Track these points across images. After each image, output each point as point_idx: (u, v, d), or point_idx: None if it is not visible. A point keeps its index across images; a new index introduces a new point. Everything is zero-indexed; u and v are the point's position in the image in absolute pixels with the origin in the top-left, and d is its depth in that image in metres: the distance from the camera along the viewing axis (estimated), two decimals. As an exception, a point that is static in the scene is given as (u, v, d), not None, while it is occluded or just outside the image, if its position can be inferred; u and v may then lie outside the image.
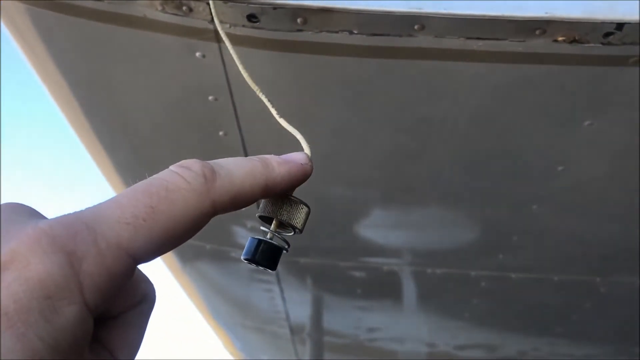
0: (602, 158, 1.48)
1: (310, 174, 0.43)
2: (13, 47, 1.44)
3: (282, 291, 2.66)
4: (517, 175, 1.59)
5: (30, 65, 1.53)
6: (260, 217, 0.46)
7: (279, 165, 0.41)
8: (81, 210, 0.34)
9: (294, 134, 0.53)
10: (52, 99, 1.64)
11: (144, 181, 0.36)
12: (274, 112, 0.55)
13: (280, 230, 0.46)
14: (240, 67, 0.68)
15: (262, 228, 0.46)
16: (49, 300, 0.29)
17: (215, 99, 1.39)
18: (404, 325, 2.86)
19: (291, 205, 0.45)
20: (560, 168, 1.50)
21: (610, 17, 1.07)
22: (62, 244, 0.31)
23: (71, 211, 0.34)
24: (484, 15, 1.07)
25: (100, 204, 0.35)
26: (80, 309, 0.30)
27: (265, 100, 0.57)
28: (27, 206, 0.35)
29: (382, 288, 2.45)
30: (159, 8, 1.13)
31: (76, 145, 1.77)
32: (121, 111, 1.56)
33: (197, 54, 1.25)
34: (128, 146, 1.74)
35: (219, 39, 1.19)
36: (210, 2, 1.04)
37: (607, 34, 1.09)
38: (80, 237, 0.31)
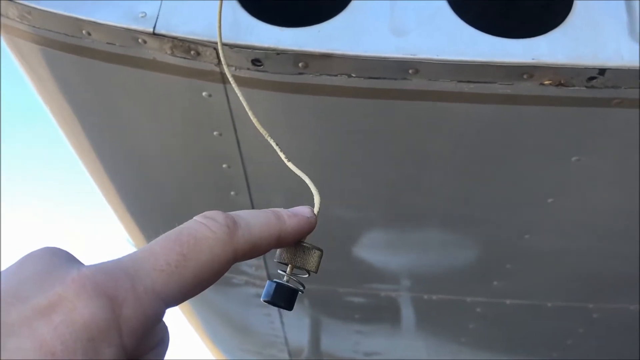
0: (590, 190, 1.54)
1: (315, 226, 0.48)
2: (27, 84, 1.50)
3: (281, 316, 2.70)
4: (508, 207, 1.65)
5: (42, 100, 1.59)
6: (278, 262, 0.50)
7: (289, 218, 0.46)
8: (119, 259, 0.37)
9: (303, 177, 0.56)
10: (62, 132, 1.70)
11: (174, 231, 0.40)
12: (282, 156, 0.59)
13: (297, 272, 0.50)
14: (250, 114, 0.70)
15: (279, 271, 0.50)
16: (92, 342, 0.31)
17: (220, 134, 1.45)
18: (401, 349, 2.88)
19: (304, 251, 0.49)
20: (550, 200, 1.56)
21: (593, 63, 1.13)
22: (105, 290, 0.33)
23: (110, 259, 0.37)
24: (474, 61, 1.13)
25: (136, 252, 0.38)
26: (118, 351, 0.32)
27: (273, 144, 0.61)
28: (65, 251, 0.38)
29: (380, 313, 2.49)
30: (168, 52, 1.20)
31: (85, 178, 1.83)
32: (129, 144, 1.62)
33: (204, 94, 1.31)
34: (135, 177, 1.80)
35: (224, 80, 1.25)
36: (218, 48, 1.10)
37: (591, 78, 1.15)
38: (120, 283, 0.34)
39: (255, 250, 0.42)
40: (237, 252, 0.41)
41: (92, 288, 0.33)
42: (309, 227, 0.47)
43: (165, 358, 0.42)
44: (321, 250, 0.50)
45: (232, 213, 0.43)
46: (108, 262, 0.36)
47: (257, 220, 0.43)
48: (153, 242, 0.39)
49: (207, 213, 0.41)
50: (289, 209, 0.47)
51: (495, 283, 2.08)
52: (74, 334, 0.31)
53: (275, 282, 0.48)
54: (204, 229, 0.40)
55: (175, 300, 0.37)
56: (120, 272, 0.35)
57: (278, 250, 0.50)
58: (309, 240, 0.50)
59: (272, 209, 0.46)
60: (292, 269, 0.49)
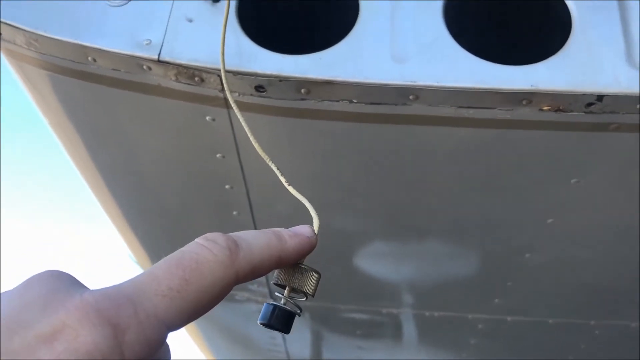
0: (589, 211, 1.55)
1: (315, 246, 0.48)
2: (33, 107, 1.52)
3: (283, 331, 2.70)
4: (509, 227, 1.66)
5: (47, 121, 1.61)
6: (275, 284, 0.51)
7: (290, 238, 0.46)
8: (121, 284, 0.37)
9: (302, 201, 0.57)
10: (66, 152, 1.72)
11: (176, 254, 0.40)
12: (283, 180, 0.60)
13: (294, 295, 0.50)
14: (252, 139, 0.72)
15: (276, 294, 0.50)
16: None
17: (223, 157, 1.46)
18: (403, 365, 2.89)
19: (302, 273, 0.49)
20: (550, 220, 1.57)
21: (591, 89, 1.14)
22: (108, 317, 0.33)
23: (112, 284, 0.37)
24: (474, 88, 1.15)
25: (138, 276, 0.38)
26: None
27: (274, 168, 0.62)
28: (67, 274, 0.38)
29: (381, 329, 2.49)
30: (173, 78, 1.22)
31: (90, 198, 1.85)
32: (133, 166, 1.64)
33: (207, 118, 1.33)
34: (139, 196, 1.81)
35: (228, 105, 1.27)
36: (222, 75, 1.11)
37: (589, 104, 1.16)
38: (122, 310, 0.34)
39: (257, 271, 0.43)
40: (239, 275, 0.41)
41: (95, 316, 0.33)
42: (310, 247, 0.48)
43: None
44: (319, 273, 0.49)
45: (233, 234, 0.43)
46: (110, 287, 0.36)
47: (258, 242, 0.43)
48: (155, 266, 0.39)
49: (208, 235, 0.42)
50: (290, 229, 0.47)
51: (496, 300, 2.09)
52: None
53: (273, 304, 0.48)
54: (205, 251, 0.40)
55: (178, 324, 0.38)
56: (123, 298, 0.35)
57: (276, 272, 0.50)
58: (310, 258, 0.50)
59: (273, 229, 0.46)
60: (289, 291, 0.49)
